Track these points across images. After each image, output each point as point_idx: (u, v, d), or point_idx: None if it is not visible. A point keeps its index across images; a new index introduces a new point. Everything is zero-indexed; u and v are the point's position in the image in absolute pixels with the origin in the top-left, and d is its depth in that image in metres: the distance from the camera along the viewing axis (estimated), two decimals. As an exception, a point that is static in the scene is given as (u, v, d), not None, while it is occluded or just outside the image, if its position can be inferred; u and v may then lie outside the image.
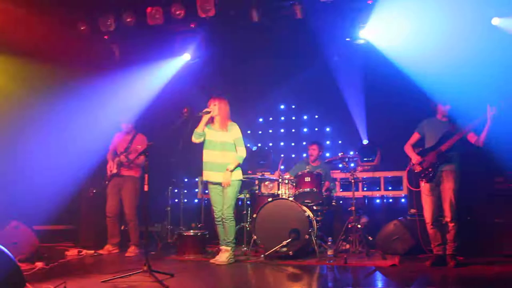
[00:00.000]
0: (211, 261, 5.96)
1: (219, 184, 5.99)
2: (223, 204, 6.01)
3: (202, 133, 6.01)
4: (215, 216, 6.10)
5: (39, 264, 5.63)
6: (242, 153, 6.08)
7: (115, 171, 7.05)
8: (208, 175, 6.04)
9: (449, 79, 6.78)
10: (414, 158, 5.91)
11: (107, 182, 7.10)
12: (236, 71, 8.68)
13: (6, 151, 7.16)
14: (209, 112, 5.98)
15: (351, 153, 8.25)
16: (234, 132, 6.09)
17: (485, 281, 4.91)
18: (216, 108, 6.02)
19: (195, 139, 6.02)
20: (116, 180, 7.08)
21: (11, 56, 7.17)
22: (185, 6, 7.00)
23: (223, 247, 6.00)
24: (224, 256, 5.89)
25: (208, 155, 6.06)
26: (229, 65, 8.49)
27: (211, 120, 6.08)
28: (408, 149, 6.04)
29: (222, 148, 6.02)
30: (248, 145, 8.79)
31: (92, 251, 6.96)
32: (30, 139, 7.37)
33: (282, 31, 7.47)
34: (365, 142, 8.22)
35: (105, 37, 7.67)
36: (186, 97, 7.76)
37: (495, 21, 6.76)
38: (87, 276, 5.06)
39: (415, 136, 6.04)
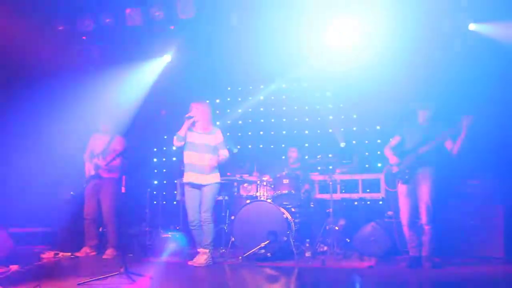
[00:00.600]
0: (190, 262, 5.93)
1: (198, 186, 5.97)
2: (201, 208, 5.98)
3: (184, 137, 6.00)
4: (190, 220, 6.06)
5: (14, 267, 5.54)
6: (225, 153, 6.16)
7: (93, 172, 6.99)
8: (188, 176, 6.02)
9: (428, 83, 6.95)
10: (392, 159, 5.98)
11: (85, 184, 7.04)
12: (216, 73, 8.67)
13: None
14: (191, 117, 5.99)
15: (330, 155, 8.31)
16: (218, 136, 6.14)
17: (460, 282, 4.98)
18: (198, 112, 6.03)
19: (177, 142, 6.01)
20: (95, 182, 7.02)
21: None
22: (165, 8, 7.00)
23: (200, 250, 5.98)
24: (202, 258, 5.88)
25: (188, 157, 6.05)
26: (209, 66, 8.48)
27: (193, 124, 6.08)
28: (387, 151, 6.11)
29: (203, 150, 6.02)
30: (227, 147, 8.83)
31: (69, 254, 6.87)
32: (5, 140, 7.26)
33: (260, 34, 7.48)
34: (342, 145, 8.31)
35: (83, 37, 7.60)
36: (165, 99, 7.74)
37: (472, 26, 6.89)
38: (63, 279, 5.01)
39: (396, 139, 6.09)
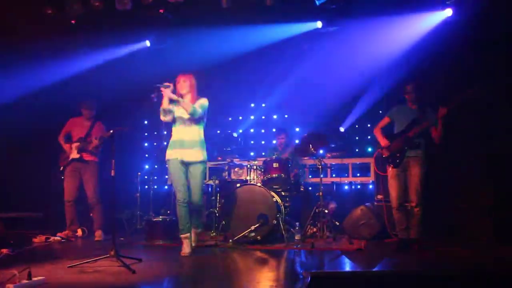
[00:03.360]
0: (183, 254, 5.48)
1: (186, 163, 5.64)
2: (192, 191, 5.65)
3: (169, 109, 5.58)
4: (179, 198, 5.59)
5: (5, 251, 5.56)
6: (196, 107, 5.57)
7: (76, 156, 7.02)
8: (174, 153, 5.62)
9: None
10: (382, 141, 6.01)
11: (62, 167, 7.07)
12: (206, 57, 8.64)
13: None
14: (168, 86, 5.49)
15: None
16: (201, 100, 5.70)
17: (448, 264, 5.04)
18: (186, 85, 5.65)
19: (163, 116, 5.61)
20: (76, 165, 7.08)
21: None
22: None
23: (193, 230, 5.73)
24: (192, 240, 5.66)
25: (176, 132, 5.69)
26: (199, 51, 8.45)
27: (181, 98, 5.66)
28: (377, 132, 6.13)
29: (190, 123, 5.64)
30: (229, 131, 8.88)
31: (60, 238, 6.89)
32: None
33: (250, 17, 7.46)
34: (341, 129, 8.37)
35: (72, 21, 7.54)
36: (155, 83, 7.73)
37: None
38: (53, 262, 5.02)
39: (385, 120, 6.12)
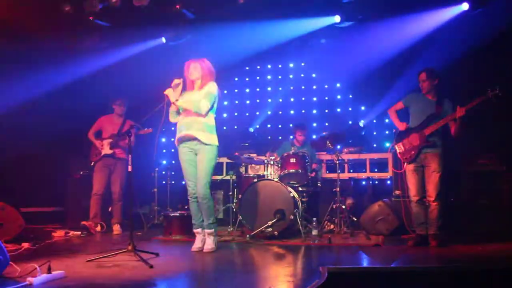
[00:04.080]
0: (193, 249, 5.40)
1: (193, 142, 5.29)
2: (197, 179, 5.32)
3: (177, 111, 5.41)
4: (189, 191, 5.43)
5: (25, 245, 5.66)
6: (203, 105, 5.22)
7: (109, 152, 7.14)
8: (182, 134, 5.33)
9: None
10: (399, 125, 5.92)
11: (93, 162, 7.18)
12: (221, 53, 8.64)
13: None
14: (179, 84, 5.31)
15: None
16: (208, 88, 5.31)
17: (467, 261, 4.98)
18: (196, 71, 5.35)
19: (172, 118, 5.46)
20: (107, 161, 7.23)
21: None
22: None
23: (206, 231, 5.42)
24: (210, 241, 5.39)
25: (182, 117, 5.38)
26: (216, 46, 8.46)
27: (191, 84, 5.45)
28: (391, 113, 6.06)
29: (197, 107, 5.25)
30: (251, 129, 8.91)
31: (79, 232, 6.98)
32: (16, 120, 7.33)
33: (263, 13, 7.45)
34: (361, 123, 8.32)
35: (90, 17, 7.60)
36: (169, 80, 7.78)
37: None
38: (72, 256, 5.08)
39: (399, 105, 6.03)
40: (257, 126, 9.22)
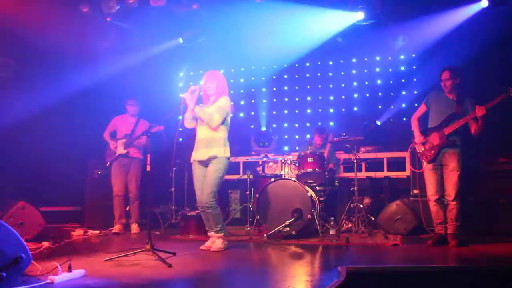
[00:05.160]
0: (202, 247, 5.51)
1: (203, 163, 5.46)
2: (203, 189, 5.44)
3: (193, 117, 5.48)
4: (197, 201, 5.56)
5: (46, 244, 5.75)
6: (214, 120, 5.33)
7: (123, 151, 7.19)
8: (194, 154, 5.52)
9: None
10: (417, 137, 5.88)
11: (109, 163, 7.24)
12: (238, 52, 8.66)
13: (12, 133, 7.19)
14: (194, 90, 5.38)
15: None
16: (220, 101, 5.43)
17: (487, 261, 4.92)
18: (213, 86, 5.47)
19: (187, 124, 5.55)
20: (123, 161, 7.27)
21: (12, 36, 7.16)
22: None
23: (215, 235, 5.50)
24: (219, 242, 5.46)
25: (198, 132, 5.54)
26: (231, 47, 8.47)
27: (207, 98, 5.57)
28: (414, 122, 5.99)
29: (209, 119, 5.37)
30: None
31: (98, 232, 7.05)
32: (35, 120, 7.42)
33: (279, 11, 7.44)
34: (378, 122, 8.29)
35: (108, 19, 7.66)
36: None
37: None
38: (92, 255, 5.14)
39: (422, 109, 5.97)
40: (274, 126, 9.20)
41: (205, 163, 5.46)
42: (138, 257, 4.84)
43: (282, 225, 6.17)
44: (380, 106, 8.69)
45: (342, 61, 9.09)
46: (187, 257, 5.13)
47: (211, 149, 5.39)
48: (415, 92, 8.12)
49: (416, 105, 7.15)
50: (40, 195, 7.39)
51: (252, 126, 9.36)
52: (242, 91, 9.14)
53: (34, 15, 6.85)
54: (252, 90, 9.58)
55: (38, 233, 6.29)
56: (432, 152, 5.71)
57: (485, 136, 5.69)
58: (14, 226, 5.53)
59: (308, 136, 8.26)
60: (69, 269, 3.93)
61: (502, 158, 6.62)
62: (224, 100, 5.46)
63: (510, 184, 6.43)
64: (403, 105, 8.40)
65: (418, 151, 5.88)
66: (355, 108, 8.94)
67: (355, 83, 8.98)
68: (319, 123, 8.77)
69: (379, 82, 8.85)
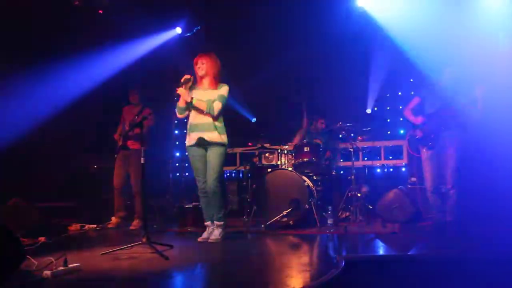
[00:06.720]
0: (199, 239, 5.42)
1: (204, 145, 5.36)
2: (207, 175, 5.36)
3: (185, 107, 5.38)
4: (199, 187, 5.49)
5: (42, 239, 5.69)
6: (217, 106, 5.29)
7: (124, 143, 7.11)
8: (193, 137, 5.38)
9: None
10: (416, 119, 5.83)
11: (116, 155, 7.20)
12: (231, 46, 8.59)
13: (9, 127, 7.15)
14: (189, 80, 5.33)
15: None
16: (221, 90, 5.36)
17: (484, 247, 4.88)
18: (204, 67, 5.36)
19: (179, 114, 5.45)
20: (124, 153, 7.17)
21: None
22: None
23: (216, 223, 5.43)
24: (217, 232, 5.40)
25: (193, 116, 5.40)
26: (223, 39, 8.41)
27: (200, 81, 5.46)
28: (407, 113, 5.97)
29: (210, 108, 5.31)
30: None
31: (94, 226, 7.01)
32: (32, 114, 7.36)
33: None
34: (368, 111, 8.25)
35: (100, 11, 7.59)
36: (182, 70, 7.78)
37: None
38: (88, 249, 5.10)
39: (415, 100, 5.95)
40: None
41: (205, 144, 5.34)
42: (134, 250, 4.79)
43: (280, 215, 6.15)
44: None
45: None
46: (184, 249, 5.10)
47: (215, 134, 5.31)
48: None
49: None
50: (37, 190, 7.34)
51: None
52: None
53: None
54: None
55: (34, 228, 6.24)
56: (432, 136, 5.67)
57: (482, 122, 5.67)
58: (11, 221, 5.53)
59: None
60: (65, 264, 3.89)
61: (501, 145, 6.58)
62: (225, 88, 5.40)
63: (508, 170, 6.39)
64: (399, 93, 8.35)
65: (417, 137, 5.84)
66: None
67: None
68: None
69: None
